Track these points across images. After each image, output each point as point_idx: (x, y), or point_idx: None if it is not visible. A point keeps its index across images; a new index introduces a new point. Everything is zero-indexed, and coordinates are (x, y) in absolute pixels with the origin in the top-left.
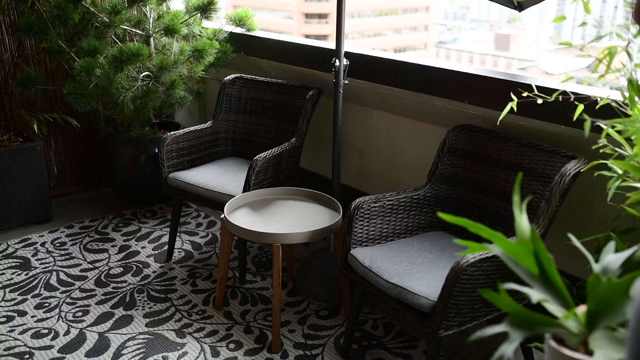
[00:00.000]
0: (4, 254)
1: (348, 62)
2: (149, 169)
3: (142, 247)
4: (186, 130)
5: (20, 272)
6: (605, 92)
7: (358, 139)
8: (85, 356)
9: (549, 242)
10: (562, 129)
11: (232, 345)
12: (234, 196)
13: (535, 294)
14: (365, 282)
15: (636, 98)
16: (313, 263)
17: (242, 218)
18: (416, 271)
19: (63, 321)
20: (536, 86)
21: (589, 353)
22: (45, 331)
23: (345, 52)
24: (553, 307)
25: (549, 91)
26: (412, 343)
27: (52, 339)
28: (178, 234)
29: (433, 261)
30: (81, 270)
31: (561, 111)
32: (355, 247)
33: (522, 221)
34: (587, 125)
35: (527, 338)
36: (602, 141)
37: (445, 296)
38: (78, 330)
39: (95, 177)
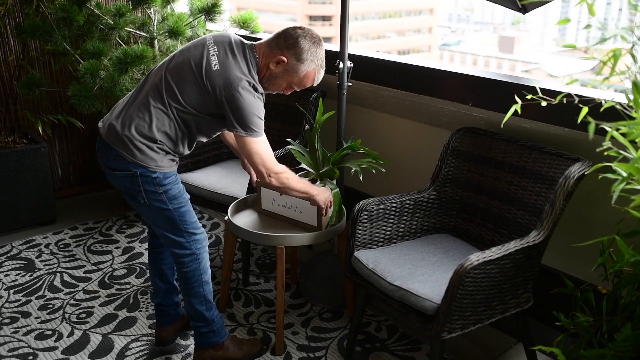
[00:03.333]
0: (8, 255)
1: (352, 65)
2: None
3: (146, 249)
4: None
5: (24, 273)
6: (609, 94)
7: (362, 141)
8: (88, 358)
9: (553, 245)
10: (566, 131)
11: None
12: (238, 198)
13: None
14: (369, 285)
15: None
16: (316, 265)
17: (246, 220)
18: (420, 274)
19: (67, 322)
20: (540, 88)
21: None
22: (49, 332)
23: (349, 55)
24: None
25: (553, 93)
26: (415, 345)
27: (55, 340)
28: None
29: (437, 264)
30: (85, 272)
31: (565, 114)
32: (358, 250)
33: None
34: (591, 127)
35: (531, 340)
36: (607, 144)
37: (448, 299)
38: (82, 331)
39: (99, 179)
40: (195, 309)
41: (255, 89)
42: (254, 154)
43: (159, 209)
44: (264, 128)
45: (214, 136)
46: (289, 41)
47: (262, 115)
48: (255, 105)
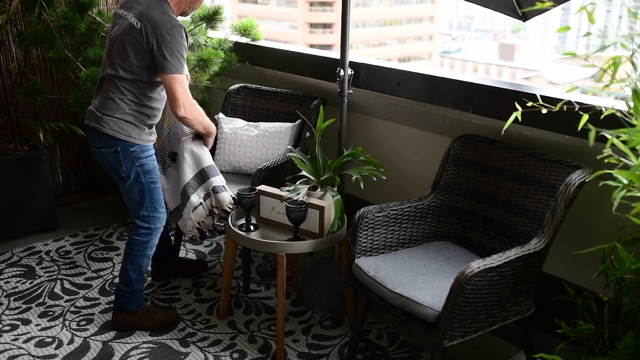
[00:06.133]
0: (9, 262)
1: (352, 72)
2: None
3: None
4: None
5: (24, 280)
6: (610, 102)
7: (362, 148)
8: None
9: (554, 253)
10: (566, 138)
11: (236, 355)
12: (239, 205)
13: None
14: (370, 292)
15: None
16: (317, 272)
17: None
18: (420, 281)
19: (67, 330)
20: (541, 96)
21: None
22: (49, 340)
23: (350, 62)
24: None
25: (553, 101)
26: (416, 353)
27: (56, 348)
28: (182, 242)
29: (437, 271)
30: (85, 279)
31: (566, 121)
32: (359, 257)
33: None
34: (592, 135)
35: (532, 348)
36: (607, 151)
37: (449, 306)
38: (82, 339)
39: (100, 186)
40: (127, 274)
41: (180, 27)
42: (178, 87)
43: (135, 181)
44: (185, 67)
45: (163, 95)
46: None
47: (185, 55)
48: (180, 42)
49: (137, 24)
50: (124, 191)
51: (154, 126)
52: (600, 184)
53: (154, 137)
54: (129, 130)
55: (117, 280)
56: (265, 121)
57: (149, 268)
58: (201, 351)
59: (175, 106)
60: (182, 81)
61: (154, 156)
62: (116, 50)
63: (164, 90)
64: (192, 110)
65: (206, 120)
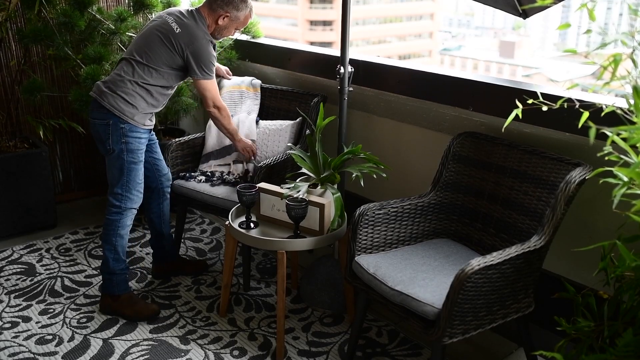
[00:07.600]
0: (9, 259)
1: (353, 69)
2: None
3: (147, 254)
4: (191, 137)
5: (25, 277)
6: (610, 99)
7: (362, 145)
8: None
9: (554, 250)
10: (567, 136)
11: (236, 352)
12: (239, 203)
13: None
14: (370, 289)
15: None
16: (317, 270)
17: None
18: (420, 278)
19: (67, 327)
20: (541, 93)
21: None
22: (50, 337)
23: (350, 59)
24: None
25: (553, 98)
26: (416, 350)
27: (56, 345)
28: (182, 240)
29: (437, 268)
30: (86, 277)
31: (566, 118)
32: (359, 254)
33: None
34: (592, 132)
35: (532, 345)
36: (607, 148)
37: (449, 303)
38: (82, 336)
39: (100, 183)
40: (105, 253)
41: (211, 42)
42: (207, 91)
43: (117, 157)
44: (214, 72)
45: (170, 91)
46: (224, 0)
47: (214, 62)
48: (211, 54)
49: (176, 29)
50: (107, 166)
51: (153, 114)
52: (601, 181)
53: (149, 122)
54: (124, 108)
55: None
56: (266, 119)
57: (150, 265)
58: (201, 348)
59: (205, 105)
60: (211, 87)
61: (143, 139)
62: (149, 40)
63: (172, 90)
64: (219, 111)
65: (231, 126)
